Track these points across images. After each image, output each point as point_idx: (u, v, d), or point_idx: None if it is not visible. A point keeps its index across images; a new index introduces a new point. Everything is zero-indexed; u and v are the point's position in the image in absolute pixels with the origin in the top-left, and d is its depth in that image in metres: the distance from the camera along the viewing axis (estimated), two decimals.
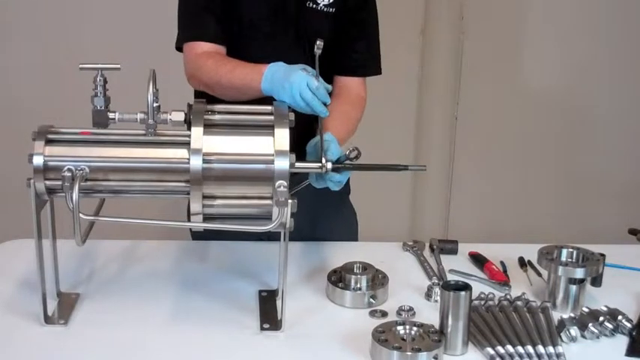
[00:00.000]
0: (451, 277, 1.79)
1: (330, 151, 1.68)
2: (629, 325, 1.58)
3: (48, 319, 1.55)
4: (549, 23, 3.41)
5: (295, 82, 1.62)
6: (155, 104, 1.50)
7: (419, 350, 1.42)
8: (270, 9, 1.90)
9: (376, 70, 2.06)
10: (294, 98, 1.62)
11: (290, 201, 1.46)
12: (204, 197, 1.49)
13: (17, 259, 1.79)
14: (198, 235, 1.96)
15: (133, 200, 1.56)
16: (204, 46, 1.86)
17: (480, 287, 1.75)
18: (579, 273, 1.66)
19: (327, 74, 1.92)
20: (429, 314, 1.60)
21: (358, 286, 1.68)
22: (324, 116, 1.66)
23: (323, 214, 2.04)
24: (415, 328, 1.48)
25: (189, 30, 1.90)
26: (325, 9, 1.92)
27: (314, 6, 1.91)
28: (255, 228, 1.52)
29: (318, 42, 1.61)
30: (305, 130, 1.78)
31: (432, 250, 1.97)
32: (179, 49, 1.92)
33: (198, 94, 1.91)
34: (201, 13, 1.88)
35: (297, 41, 1.92)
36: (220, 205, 1.51)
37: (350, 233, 2.16)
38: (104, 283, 1.74)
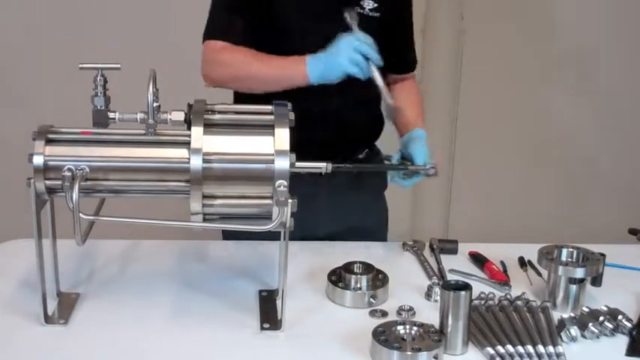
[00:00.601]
0: (451, 277, 1.79)
1: (418, 153, 1.85)
2: (629, 325, 1.58)
3: (48, 319, 1.55)
4: (549, 23, 3.41)
5: (344, 43, 1.71)
6: (155, 104, 1.50)
7: (419, 350, 1.42)
8: (317, 15, 1.90)
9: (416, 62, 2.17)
10: (351, 56, 1.70)
11: (290, 201, 1.46)
12: (205, 197, 1.49)
13: (17, 259, 1.79)
14: (228, 235, 1.99)
15: (133, 200, 1.56)
16: (219, 44, 1.87)
17: (480, 287, 1.75)
18: (579, 273, 1.66)
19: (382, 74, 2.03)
20: (429, 314, 1.60)
21: (358, 286, 1.68)
22: (379, 64, 1.75)
23: (357, 208, 2.07)
24: (415, 328, 1.48)
25: (214, 28, 1.90)
26: (371, 13, 1.93)
27: (361, 11, 1.92)
28: (255, 228, 1.52)
29: (347, 13, 1.70)
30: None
31: (432, 250, 1.96)
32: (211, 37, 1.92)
33: (238, 96, 1.93)
34: (230, 15, 1.89)
35: None
36: (220, 204, 1.51)
37: (380, 228, 2.19)
38: (104, 283, 1.74)
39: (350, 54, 1.72)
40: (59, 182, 1.45)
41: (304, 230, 1.87)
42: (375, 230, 2.13)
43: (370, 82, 1.91)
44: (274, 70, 1.81)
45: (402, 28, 2.06)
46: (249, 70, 1.84)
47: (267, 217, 1.51)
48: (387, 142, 2.12)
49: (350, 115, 1.95)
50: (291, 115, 1.53)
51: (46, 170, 1.48)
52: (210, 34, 1.90)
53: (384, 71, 2.03)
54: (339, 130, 1.91)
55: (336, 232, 2.03)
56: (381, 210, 2.21)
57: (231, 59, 1.85)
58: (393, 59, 2.02)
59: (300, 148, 1.67)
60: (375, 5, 1.93)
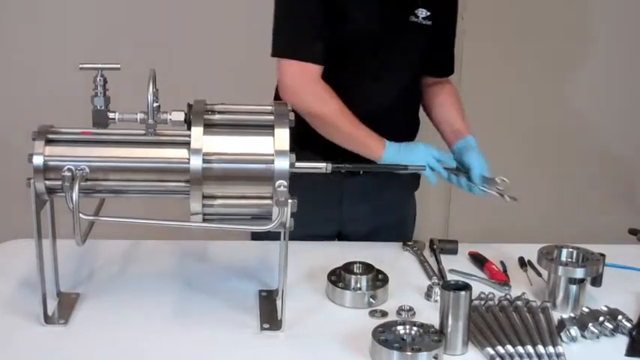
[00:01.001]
0: (451, 277, 1.79)
1: (476, 162, 1.92)
2: (629, 325, 1.58)
3: (48, 319, 1.55)
4: (549, 23, 3.41)
5: (424, 149, 1.86)
6: (155, 104, 1.50)
7: (419, 350, 1.42)
8: (378, 25, 1.93)
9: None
10: (429, 162, 1.85)
11: (290, 201, 1.46)
12: (204, 197, 1.49)
13: (17, 259, 1.79)
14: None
15: (133, 200, 1.56)
16: (311, 69, 1.88)
17: (480, 287, 1.75)
18: (579, 273, 1.66)
19: (420, 76, 2.11)
20: (429, 314, 1.60)
21: (358, 286, 1.68)
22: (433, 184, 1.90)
23: (388, 207, 2.12)
24: (415, 328, 1.48)
25: (297, 47, 1.89)
26: (424, 22, 1.96)
27: (415, 20, 1.95)
28: (255, 228, 1.52)
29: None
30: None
31: (432, 250, 1.96)
32: (274, 55, 1.91)
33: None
34: (310, 30, 1.89)
35: (400, 56, 1.98)
36: (220, 205, 1.51)
37: (408, 227, 2.23)
38: (104, 283, 1.74)
39: (429, 160, 1.86)
40: (59, 182, 1.45)
41: (341, 226, 2.10)
42: (402, 229, 2.17)
43: (413, 89, 2.07)
44: (356, 140, 1.88)
45: (448, 33, 2.08)
46: (337, 126, 1.88)
47: (267, 217, 1.51)
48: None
49: (388, 118, 1.99)
50: (291, 115, 1.53)
51: (45, 170, 1.48)
52: (296, 54, 1.88)
53: (423, 74, 2.11)
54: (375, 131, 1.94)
55: (368, 230, 2.09)
56: (410, 209, 2.26)
57: (326, 106, 1.87)
58: (435, 62, 2.09)
59: (336, 147, 1.81)
60: (428, 14, 1.96)
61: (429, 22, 1.97)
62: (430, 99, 2.13)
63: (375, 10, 1.92)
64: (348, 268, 1.72)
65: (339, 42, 1.92)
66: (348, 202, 2.07)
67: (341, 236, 2.13)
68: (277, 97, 1.94)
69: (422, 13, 1.95)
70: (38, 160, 1.47)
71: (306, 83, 1.89)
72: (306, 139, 1.81)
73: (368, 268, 1.72)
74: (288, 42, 1.91)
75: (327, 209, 2.04)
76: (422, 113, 2.18)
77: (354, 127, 1.88)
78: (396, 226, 2.15)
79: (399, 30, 1.96)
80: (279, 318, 1.58)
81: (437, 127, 2.11)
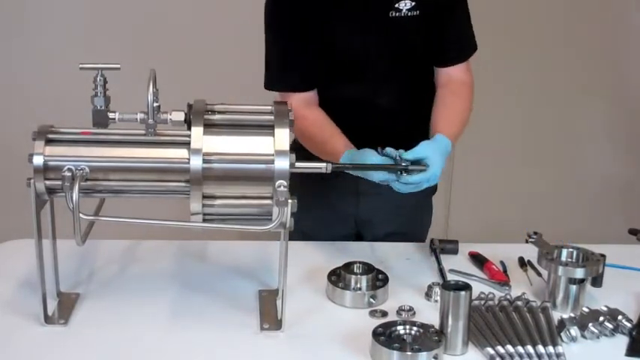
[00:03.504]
0: (451, 277, 1.79)
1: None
2: (629, 325, 1.58)
3: (48, 319, 1.55)
4: (549, 23, 3.41)
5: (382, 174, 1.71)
6: (155, 104, 1.50)
7: (419, 350, 1.42)
8: (357, 31, 1.90)
9: (472, 48, 2.02)
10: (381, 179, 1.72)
11: (290, 201, 1.46)
12: (204, 197, 1.49)
13: (17, 259, 1.79)
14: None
15: (134, 200, 1.56)
16: (292, 97, 1.89)
17: (480, 287, 1.75)
18: (579, 273, 1.66)
19: (427, 67, 2.00)
20: (429, 314, 1.60)
21: (358, 286, 1.68)
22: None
23: (406, 210, 2.10)
24: (415, 328, 1.48)
25: (278, 80, 1.94)
26: (409, 13, 1.88)
27: (397, 14, 1.87)
28: (255, 228, 1.52)
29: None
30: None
31: (432, 250, 1.96)
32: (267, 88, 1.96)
33: None
34: (289, 61, 1.91)
35: (392, 56, 1.93)
36: (220, 205, 1.51)
37: (422, 231, 2.22)
38: (104, 283, 1.74)
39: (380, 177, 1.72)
40: (59, 182, 1.45)
41: (358, 225, 2.11)
42: (417, 233, 2.16)
43: (421, 88, 1.99)
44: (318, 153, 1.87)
45: (444, 19, 1.93)
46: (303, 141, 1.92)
47: (267, 217, 1.51)
48: None
49: (394, 122, 1.99)
50: (291, 115, 1.53)
51: (46, 170, 1.48)
52: (278, 87, 1.93)
53: (431, 66, 2.02)
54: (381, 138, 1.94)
55: (385, 233, 2.08)
56: (425, 214, 2.25)
57: (299, 132, 1.88)
58: (433, 52, 1.97)
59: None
60: (413, 4, 1.86)
61: (416, 12, 1.87)
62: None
63: (351, 16, 1.88)
64: (348, 268, 1.72)
65: (333, 56, 1.91)
66: (364, 199, 2.05)
67: (359, 239, 2.13)
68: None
69: (405, 4, 1.86)
70: (38, 160, 1.47)
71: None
72: None
73: (368, 268, 1.72)
74: (270, 77, 1.95)
75: (342, 205, 2.05)
76: None
77: (316, 149, 1.87)
78: (411, 230, 2.13)
79: (380, 29, 1.89)
80: (279, 318, 1.58)
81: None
